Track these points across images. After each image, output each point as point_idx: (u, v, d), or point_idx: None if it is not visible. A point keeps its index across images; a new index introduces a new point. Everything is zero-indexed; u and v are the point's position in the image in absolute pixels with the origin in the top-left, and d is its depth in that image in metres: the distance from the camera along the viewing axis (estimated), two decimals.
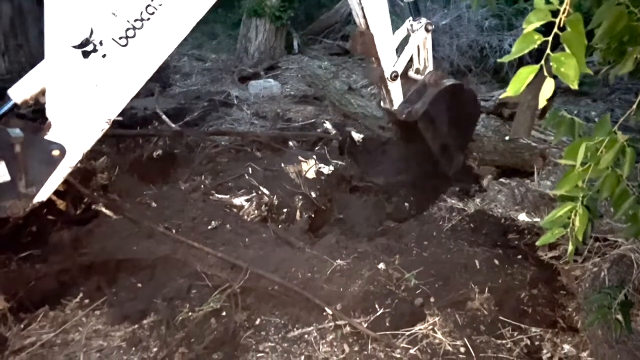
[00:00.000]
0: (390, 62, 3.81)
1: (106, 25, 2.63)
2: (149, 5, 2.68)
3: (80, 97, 2.69)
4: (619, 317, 2.15)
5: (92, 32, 2.61)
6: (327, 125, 5.57)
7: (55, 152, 2.69)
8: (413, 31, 3.96)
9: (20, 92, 2.74)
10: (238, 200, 4.06)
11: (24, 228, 3.44)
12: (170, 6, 2.73)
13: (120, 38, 2.67)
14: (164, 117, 5.54)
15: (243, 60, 8.41)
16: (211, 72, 7.88)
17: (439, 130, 4.13)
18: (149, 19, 2.69)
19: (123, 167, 4.34)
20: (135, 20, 2.67)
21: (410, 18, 3.96)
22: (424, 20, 3.96)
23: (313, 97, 6.92)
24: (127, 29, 2.67)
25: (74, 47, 2.60)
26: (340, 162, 4.67)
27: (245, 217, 3.96)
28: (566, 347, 2.84)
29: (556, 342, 2.87)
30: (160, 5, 2.70)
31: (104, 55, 2.64)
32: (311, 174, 4.42)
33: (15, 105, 2.75)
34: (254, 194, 4.10)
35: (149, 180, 4.30)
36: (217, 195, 4.12)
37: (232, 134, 5.41)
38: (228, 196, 4.11)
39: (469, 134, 4.60)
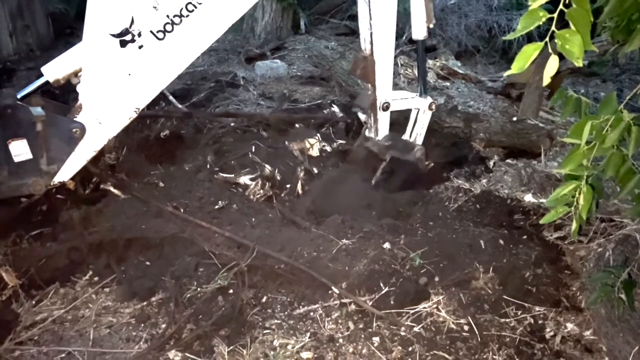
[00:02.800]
0: (385, 92, 3.87)
1: (146, 17, 2.72)
2: (189, 3, 2.78)
3: (113, 84, 2.79)
4: (622, 295, 2.17)
5: (132, 23, 2.70)
6: (335, 108, 5.52)
7: (76, 131, 2.75)
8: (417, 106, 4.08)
9: (54, 70, 2.83)
10: (243, 180, 4.09)
11: (35, 207, 3.49)
12: (210, 6, 2.81)
13: (158, 31, 2.76)
14: (170, 97, 5.55)
15: (249, 40, 8.36)
16: (218, 53, 7.84)
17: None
18: (187, 15, 2.79)
19: (131, 147, 4.37)
20: (175, 16, 2.77)
21: (417, 94, 4.08)
22: (430, 99, 4.08)
23: (320, 77, 6.88)
24: (166, 24, 2.77)
25: (113, 35, 2.69)
26: (345, 142, 4.67)
27: (252, 197, 3.99)
28: (569, 325, 2.86)
29: (559, 321, 2.90)
30: (200, 4, 2.78)
31: (140, 47, 2.73)
32: (315, 152, 4.42)
33: (46, 82, 2.84)
34: (259, 173, 4.12)
35: (156, 161, 4.33)
36: (222, 174, 4.15)
37: (239, 115, 5.41)
38: (233, 175, 4.13)
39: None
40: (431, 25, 3.87)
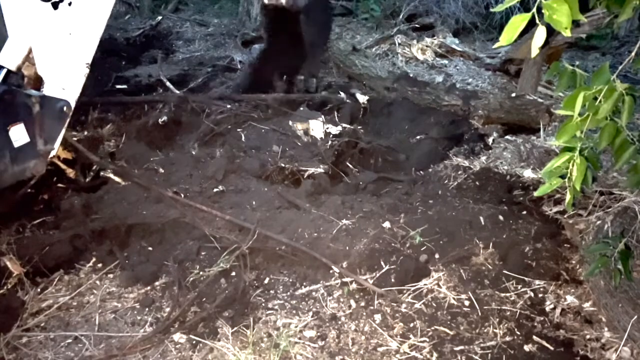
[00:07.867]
0: None
1: None
2: None
3: (61, 48, 2.74)
4: (620, 266, 2.18)
5: None
6: (342, 95, 5.41)
7: (64, 108, 2.75)
8: None
9: (10, 58, 2.77)
10: None
11: (36, 196, 3.51)
12: None
13: None
14: (168, 84, 5.53)
15: (245, 24, 8.29)
16: (214, 37, 7.80)
17: (310, 27, 4.38)
18: None
19: (129, 134, 4.37)
20: None
21: None
22: None
23: None
24: None
25: (43, 0, 2.62)
26: (349, 126, 4.66)
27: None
28: (569, 298, 2.89)
29: (559, 294, 2.92)
30: None
31: (70, 3, 2.68)
32: (319, 134, 4.40)
33: (10, 71, 2.79)
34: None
35: (156, 147, 4.33)
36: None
37: (237, 98, 5.38)
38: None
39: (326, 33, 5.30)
40: None
